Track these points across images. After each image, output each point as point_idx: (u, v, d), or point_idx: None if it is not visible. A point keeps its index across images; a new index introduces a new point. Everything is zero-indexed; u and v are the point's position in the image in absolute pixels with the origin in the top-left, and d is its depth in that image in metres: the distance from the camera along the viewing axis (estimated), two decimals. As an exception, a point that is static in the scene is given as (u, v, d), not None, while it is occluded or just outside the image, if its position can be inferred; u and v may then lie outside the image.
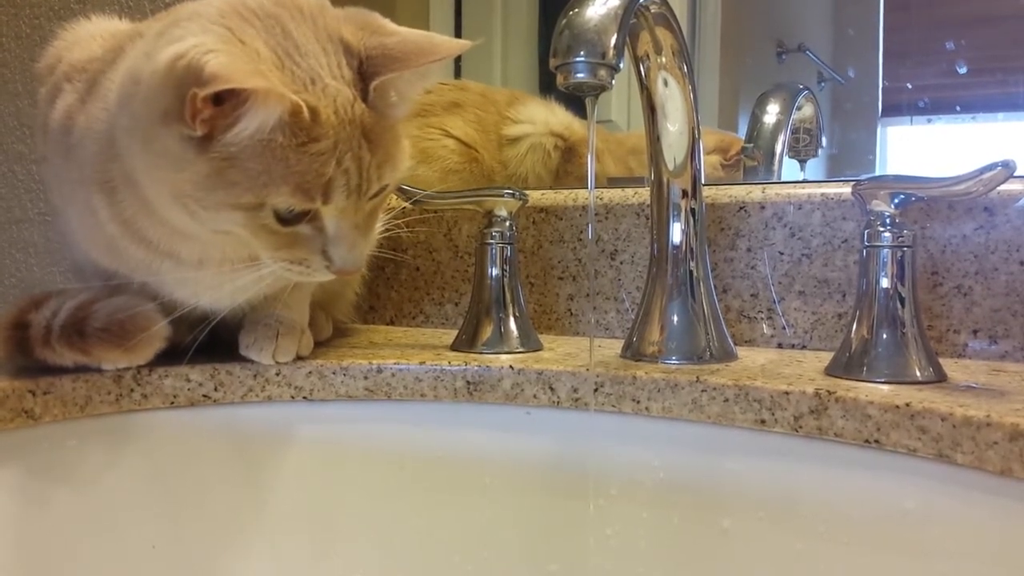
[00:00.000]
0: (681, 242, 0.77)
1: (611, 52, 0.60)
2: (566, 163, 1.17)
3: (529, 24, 1.25)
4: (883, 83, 1.00)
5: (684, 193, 0.77)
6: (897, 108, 0.99)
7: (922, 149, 0.98)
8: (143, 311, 0.69)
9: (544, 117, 1.19)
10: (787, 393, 0.65)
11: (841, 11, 1.07)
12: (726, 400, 0.67)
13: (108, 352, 0.69)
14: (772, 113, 1.04)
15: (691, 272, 0.77)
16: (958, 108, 0.96)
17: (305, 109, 0.57)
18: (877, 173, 0.97)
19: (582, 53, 0.60)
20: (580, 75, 0.60)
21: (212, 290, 0.70)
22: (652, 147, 0.77)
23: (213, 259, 0.69)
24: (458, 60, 1.25)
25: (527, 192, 0.87)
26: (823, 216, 0.83)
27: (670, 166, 0.77)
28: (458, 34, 1.25)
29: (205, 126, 0.56)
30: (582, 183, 1.12)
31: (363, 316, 1.08)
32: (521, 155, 1.16)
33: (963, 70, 0.95)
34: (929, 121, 0.98)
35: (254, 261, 0.66)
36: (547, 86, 1.21)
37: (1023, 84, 0.92)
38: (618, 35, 0.60)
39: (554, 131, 1.17)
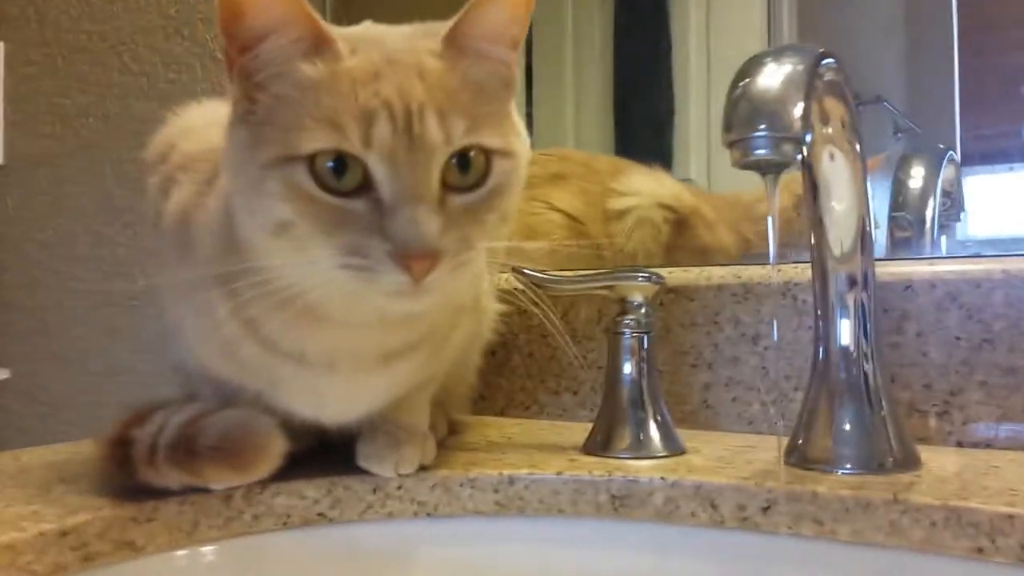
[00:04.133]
0: (851, 342, 0.68)
1: (796, 124, 0.52)
2: (677, 237, 1.08)
3: (603, 87, 1.18)
4: (960, 132, 0.93)
5: (852, 282, 0.68)
6: (976, 157, 0.94)
7: (1007, 198, 0.92)
8: (259, 427, 0.62)
9: (651, 188, 1.10)
10: (1011, 517, 0.54)
11: (915, 61, 0.99)
12: (933, 524, 0.57)
13: (220, 473, 0.62)
14: (918, 177, 0.95)
15: (865, 375, 0.67)
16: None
17: (335, 37, 0.53)
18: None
19: (763, 127, 0.52)
20: (761, 151, 0.53)
21: (342, 401, 0.64)
22: (814, 230, 0.68)
23: (344, 358, 0.62)
24: (530, 125, 1.18)
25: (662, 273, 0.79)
26: (1006, 296, 0.73)
27: (835, 251, 0.68)
28: (529, 101, 1.19)
29: (233, 52, 0.54)
30: (695, 259, 1.03)
31: (472, 406, 1.00)
32: (628, 230, 1.08)
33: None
34: (1011, 169, 0.92)
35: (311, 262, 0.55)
36: (623, 150, 1.14)
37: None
38: (804, 104, 0.52)
39: (662, 203, 1.08)
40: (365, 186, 0.53)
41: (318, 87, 0.53)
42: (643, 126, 1.17)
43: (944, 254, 0.89)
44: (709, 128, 1.11)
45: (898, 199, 0.93)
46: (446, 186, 0.54)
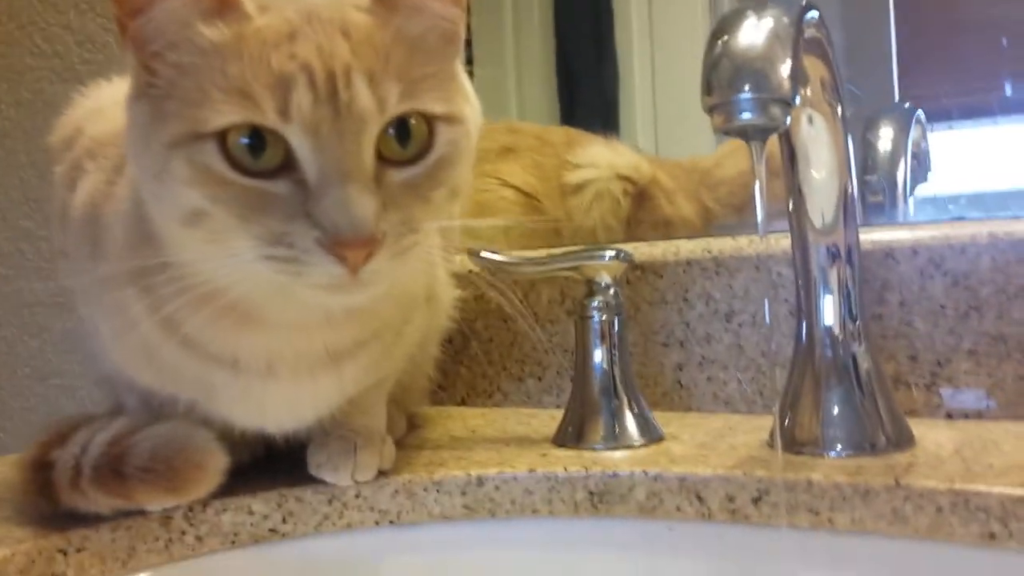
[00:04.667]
0: (836, 320, 0.63)
1: (785, 84, 0.47)
2: (638, 210, 1.03)
3: (544, 51, 1.12)
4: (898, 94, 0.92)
5: (835, 256, 0.63)
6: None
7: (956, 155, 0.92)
8: (195, 442, 0.56)
9: (608, 159, 1.05)
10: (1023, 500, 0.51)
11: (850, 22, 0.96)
12: (939, 509, 0.53)
13: (153, 496, 0.55)
14: (886, 139, 0.91)
15: (852, 351, 0.63)
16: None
17: None
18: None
19: (748, 88, 0.47)
20: (746, 115, 0.47)
21: (285, 408, 0.58)
22: (793, 199, 0.64)
23: (285, 360, 0.55)
24: None
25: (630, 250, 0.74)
26: (992, 260, 0.69)
27: (816, 222, 0.63)
28: (469, 66, 1.13)
29: (124, 17, 0.47)
30: (657, 232, 0.98)
31: (431, 396, 0.94)
32: (586, 204, 1.02)
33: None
34: (950, 128, 0.91)
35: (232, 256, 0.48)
36: (568, 119, 1.09)
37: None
38: (792, 61, 0.47)
39: (621, 174, 1.03)
40: (287, 164, 0.46)
41: (223, 52, 0.45)
42: (590, 98, 1.12)
43: (921, 219, 0.86)
44: (654, 98, 1.06)
45: (867, 162, 0.89)
46: (383, 160, 0.47)
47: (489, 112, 1.10)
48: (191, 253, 0.49)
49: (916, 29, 0.92)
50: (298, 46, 0.45)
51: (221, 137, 0.45)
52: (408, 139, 0.48)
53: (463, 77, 0.53)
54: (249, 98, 0.44)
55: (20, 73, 1.25)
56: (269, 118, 0.45)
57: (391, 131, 0.47)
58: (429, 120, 0.49)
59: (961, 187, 0.90)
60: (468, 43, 1.10)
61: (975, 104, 0.90)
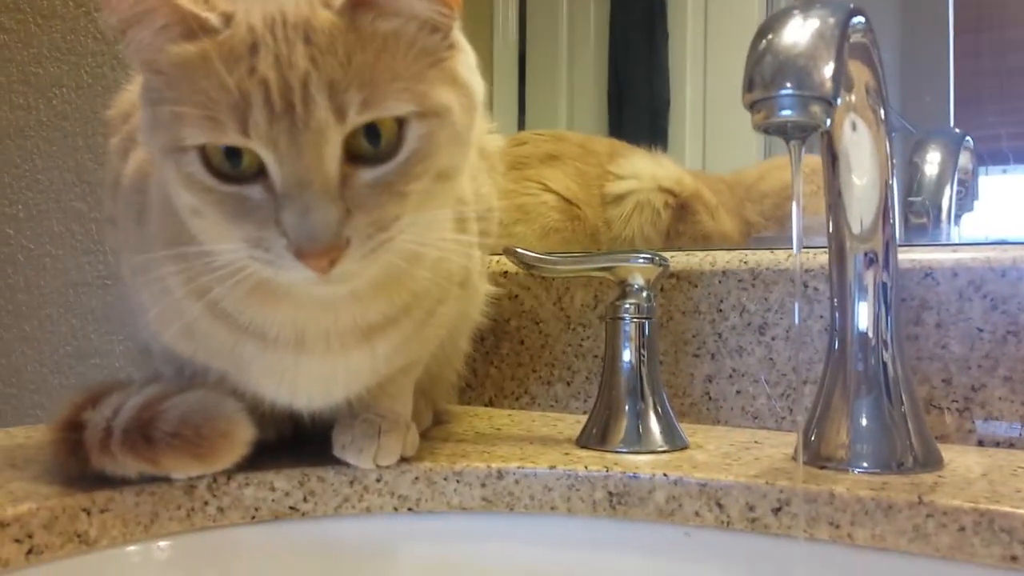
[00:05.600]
0: (869, 326, 0.62)
1: (828, 83, 0.47)
2: (678, 222, 1.03)
3: (597, 64, 1.13)
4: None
5: (872, 262, 0.63)
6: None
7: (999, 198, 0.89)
8: (223, 411, 0.57)
9: (651, 171, 1.05)
10: (1049, 523, 0.50)
11: (908, 60, 0.95)
12: (962, 529, 0.52)
13: (180, 461, 0.56)
14: (934, 163, 0.90)
15: (884, 365, 0.62)
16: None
17: (206, 15, 0.46)
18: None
19: (789, 85, 0.47)
20: (787, 112, 0.47)
21: (316, 384, 0.58)
22: (832, 205, 0.63)
23: (314, 334, 0.56)
24: (522, 104, 1.15)
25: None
26: (1034, 285, 0.68)
27: (855, 228, 0.63)
28: (522, 82, 1.15)
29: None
30: (696, 246, 0.98)
31: (459, 395, 0.94)
32: (627, 215, 1.02)
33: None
34: (1004, 172, 0.89)
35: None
36: (616, 132, 1.09)
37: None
38: (836, 62, 0.47)
39: (663, 186, 1.03)
40: (262, 171, 0.47)
41: (192, 71, 0.46)
42: (639, 112, 1.12)
43: (965, 241, 0.84)
44: (705, 114, 1.06)
45: (914, 185, 0.88)
46: (355, 159, 0.48)
47: (540, 123, 1.12)
48: (204, 238, 0.51)
49: (975, 63, 0.92)
50: (259, 59, 0.45)
51: (201, 148, 0.47)
52: (378, 138, 0.48)
53: (457, 60, 0.51)
54: (213, 118, 0.45)
55: (82, 56, 1.29)
56: (231, 137, 0.46)
57: (364, 129, 0.47)
58: (399, 119, 0.48)
59: (1013, 230, 0.88)
60: (522, 56, 1.13)
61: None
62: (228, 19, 0.46)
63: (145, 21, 0.47)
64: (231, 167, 0.47)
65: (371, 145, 0.48)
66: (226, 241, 0.49)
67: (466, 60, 0.53)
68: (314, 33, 0.46)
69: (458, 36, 0.52)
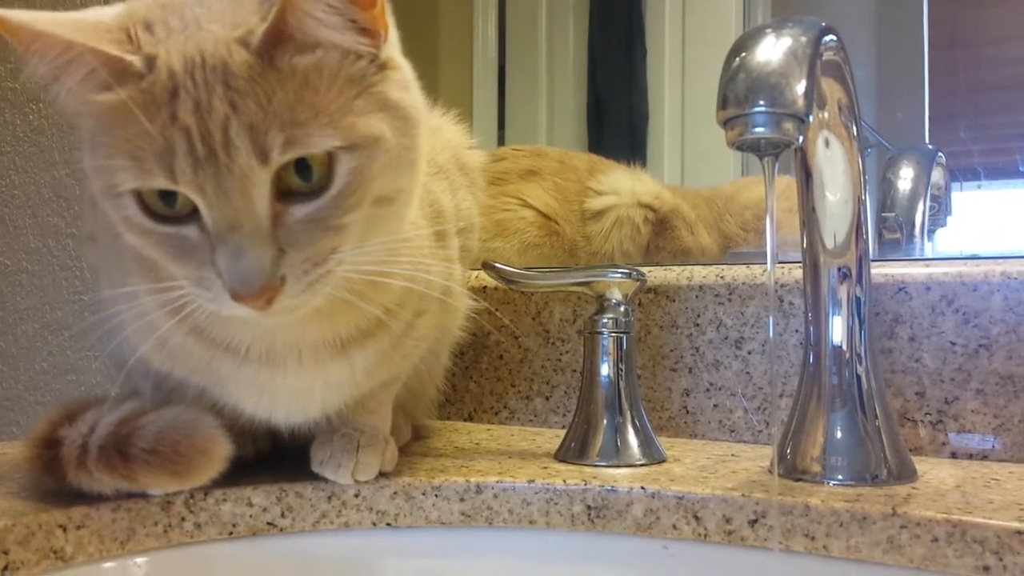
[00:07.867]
0: (843, 340, 0.63)
1: (800, 100, 0.47)
2: (658, 237, 1.04)
3: (576, 81, 1.14)
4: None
5: (846, 277, 0.63)
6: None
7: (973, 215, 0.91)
8: (201, 428, 0.57)
9: (630, 186, 1.06)
10: (1020, 533, 0.50)
11: (883, 76, 0.97)
12: (935, 540, 0.53)
13: (157, 478, 0.56)
14: (907, 179, 0.91)
15: (858, 378, 0.63)
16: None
17: (127, 57, 0.45)
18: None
19: (762, 102, 0.48)
20: (760, 129, 0.48)
21: (295, 398, 0.58)
22: (806, 219, 0.64)
23: (283, 349, 0.56)
24: (502, 120, 1.16)
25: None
26: (1004, 299, 0.69)
27: (828, 243, 0.64)
28: (502, 98, 1.16)
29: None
30: (675, 261, 0.99)
31: (438, 409, 0.94)
32: (607, 230, 1.03)
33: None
34: (979, 187, 0.90)
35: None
36: (596, 148, 1.10)
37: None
38: (808, 79, 0.48)
39: (642, 202, 1.04)
40: (196, 210, 0.47)
41: (119, 117, 0.46)
42: (618, 128, 1.13)
43: (938, 255, 0.86)
44: (683, 130, 1.07)
45: (887, 200, 0.90)
46: (288, 195, 0.47)
47: (519, 138, 1.13)
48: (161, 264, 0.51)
49: (950, 82, 0.93)
50: (179, 105, 0.45)
51: (136, 191, 0.47)
52: (310, 172, 0.47)
53: (389, 82, 0.50)
54: (141, 166, 0.45)
55: (60, 73, 1.28)
56: (160, 183, 0.46)
57: (295, 165, 0.47)
58: (328, 153, 0.47)
59: (986, 246, 0.89)
60: (502, 69, 1.14)
61: (1005, 165, 0.90)
62: (151, 62, 0.46)
63: (72, 68, 0.46)
64: (166, 207, 0.47)
65: (303, 180, 0.47)
66: (174, 277, 0.49)
67: (400, 79, 0.52)
68: (232, 77, 0.45)
69: (391, 55, 0.51)
